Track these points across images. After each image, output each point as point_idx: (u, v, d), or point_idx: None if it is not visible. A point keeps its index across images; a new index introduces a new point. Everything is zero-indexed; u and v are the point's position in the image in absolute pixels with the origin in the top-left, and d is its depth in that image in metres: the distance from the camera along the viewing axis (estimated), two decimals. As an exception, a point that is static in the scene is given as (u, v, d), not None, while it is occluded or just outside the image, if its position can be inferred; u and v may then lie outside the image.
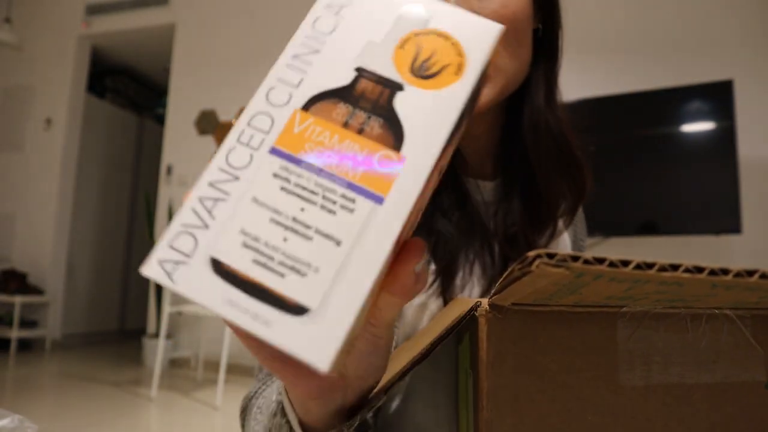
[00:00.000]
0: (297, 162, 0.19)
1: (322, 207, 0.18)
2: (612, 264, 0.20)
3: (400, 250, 0.20)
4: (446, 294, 0.48)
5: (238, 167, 0.19)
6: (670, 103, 2.50)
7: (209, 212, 0.18)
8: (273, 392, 0.37)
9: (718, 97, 2.41)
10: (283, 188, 0.18)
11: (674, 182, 2.44)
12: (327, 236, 0.18)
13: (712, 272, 0.21)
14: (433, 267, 0.49)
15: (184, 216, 0.18)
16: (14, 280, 3.95)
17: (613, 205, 2.44)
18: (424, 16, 0.21)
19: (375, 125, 0.19)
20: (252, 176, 0.19)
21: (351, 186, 0.18)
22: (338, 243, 0.18)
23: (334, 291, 0.17)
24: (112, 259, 4.95)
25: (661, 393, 0.27)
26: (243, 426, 0.45)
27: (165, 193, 3.97)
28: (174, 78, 4.10)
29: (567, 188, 0.54)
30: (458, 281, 0.49)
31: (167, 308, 2.75)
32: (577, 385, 0.25)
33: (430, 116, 0.19)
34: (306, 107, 0.20)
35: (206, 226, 0.18)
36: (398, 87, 0.20)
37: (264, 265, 0.17)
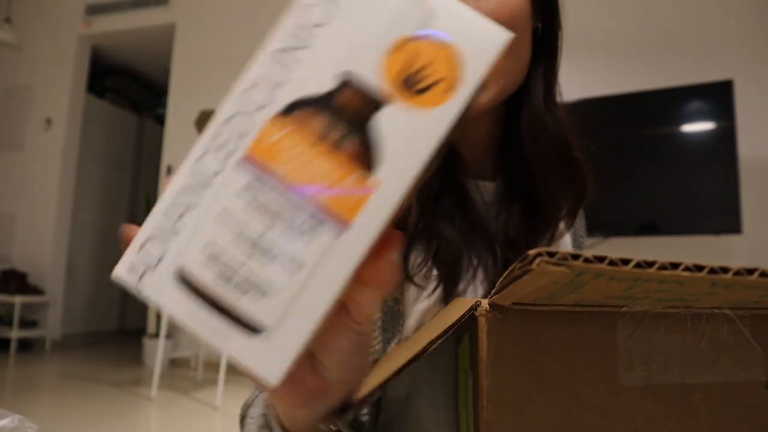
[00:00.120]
0: (267, 176, 0.18)
1: (289, 227, 0.18)
2: (612, 262, 0.20)
3: (379, 242, 0.19)
4: (449, 299, 0.48)
5: (207, 175, 0.18)
6: (670, 103, 2.50)
7: (177, 221, 0.18)
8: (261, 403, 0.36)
9: (718, 97, 2.41)
10: (251, 203, 0.18)
11: (674, 182, 2.44)
12: (291, 258, 0.18)
13: (712, 270, 0.21)
14: (435, 272, 0.49)
15: (153, 222, 0.18)
16: (14, 280, 3.95)
17: (613, 205, 2.44)
18: (424, 15, 0.19)
19: (352, 143, 0.18)
20: (222, 186, 0.18)
21: (319, 208, 0.18)
22: (301, 265, 0.18)
23: (291, 312, 0.18)
24: (112, 259, 4.89)
25: (661, 393, 0.27)
26: None
27: (165, 193, 3.97)
28: (174, 78, 4.10)
29: (567, 190, 0.53)
30: (461, 285, 0.49)
31: (167, 308, 2.74)
32: (577, 385, 0.25)
33: (411, 139, 0.18)
34: (285, 113, 0.19)
35: (172, 235, 0.18)
36: (383, 101, 0.19)
37: (227, 281, 0.18)
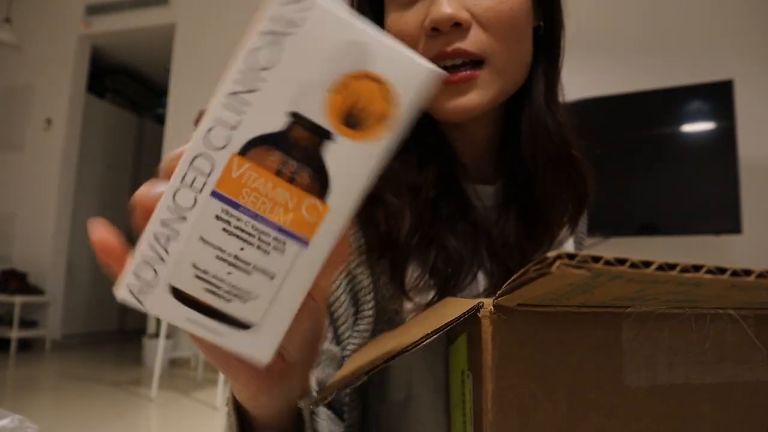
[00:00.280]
0: (236, 206, 0.22)
1: (259, 247, 0.22)
2: (634, 265, 0.20)
3: (334, 252, 0.23)
4: None
5: (184, 208, 0.22)
6: (670, 103, 2.50)
7: (164, 248, 0.22)
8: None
9: (718, 97, 2.41)
10: (224, 229, 0.22)
11: (674, 182, 2.44)
12: (263, 271, 0.22)
13: (734, 273, 0.21)
14: (433, 282, 0.47)
15: (143, 250, 0.22)
16: (14, 280, 3.95)
17: (613, 205, 2.43)
18: (359, 54, 0.21)
19: (304, 176, 0.22)
20: (197, 217, 0.22)
21: (282, 231, 0.22)
22: (272, 277, 0.22)
23: (270, 311, 0.23)
24: (112, 259, 4.94)
25: (666, 394, 0.26)
26: None
27: (165, 193, 3.97)
28: (174, 78, 4.10)
29: (567, 192, 0.52)
30: (461, 294, 0.48)
31: (167, 308, 2.74)
32: (582, 386, 0.25)
33: (353, 167, 0.22)
34: (242, 152, 0.22)
35: (162, 260, 0.22)
36: (327, 137, 0.22)
37: (214, 293, 0.22)
